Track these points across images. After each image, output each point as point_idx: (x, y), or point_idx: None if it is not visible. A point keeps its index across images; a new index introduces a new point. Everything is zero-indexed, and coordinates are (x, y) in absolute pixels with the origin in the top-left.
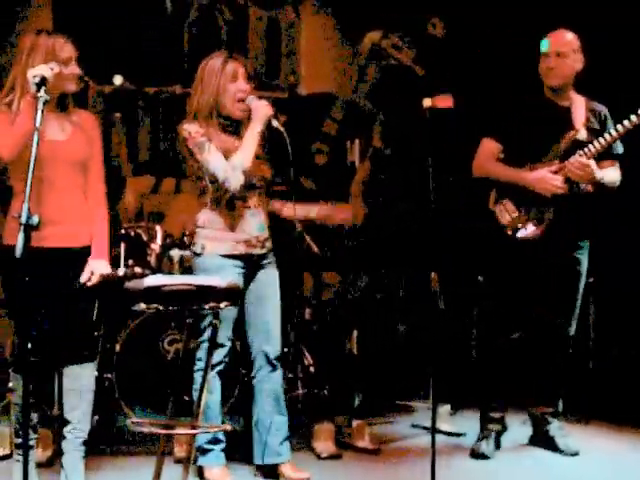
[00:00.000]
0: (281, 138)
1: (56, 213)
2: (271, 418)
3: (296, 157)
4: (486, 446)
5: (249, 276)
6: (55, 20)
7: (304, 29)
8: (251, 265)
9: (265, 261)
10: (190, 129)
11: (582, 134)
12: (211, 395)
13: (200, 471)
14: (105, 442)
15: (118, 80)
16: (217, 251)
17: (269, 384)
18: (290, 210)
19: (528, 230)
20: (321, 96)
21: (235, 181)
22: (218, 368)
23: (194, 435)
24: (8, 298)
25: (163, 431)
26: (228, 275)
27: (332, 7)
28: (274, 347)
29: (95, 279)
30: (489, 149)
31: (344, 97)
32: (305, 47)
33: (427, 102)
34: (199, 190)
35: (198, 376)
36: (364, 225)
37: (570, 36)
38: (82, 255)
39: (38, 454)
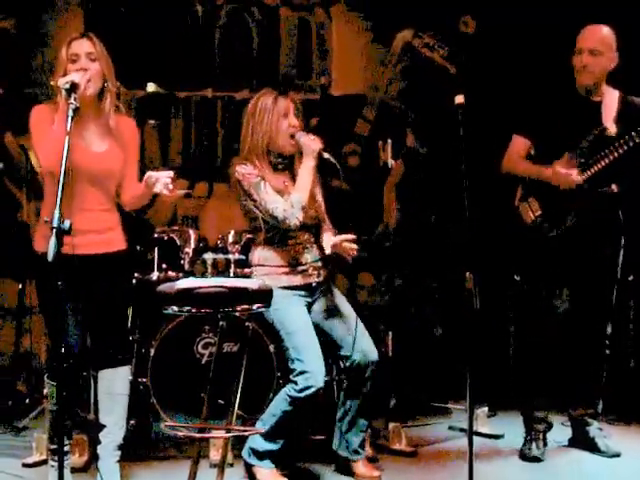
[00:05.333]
0: (334, 169)
1: (87, 222)
2: (357, 419)
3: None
4: (537, 448)
5: (311, 303)
6: (86, 27)
7: (335, 30)
8: (310, 293)
9: (323, 287)
10: (243, 170)
11: (611, 130)
12: (295, 417)
13: (250, 472)
14: (141, 446)
15: (151, 88)
16: (276, 284)
17: (365, 390)
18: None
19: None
20: (353, 97)
21: (293, 218)
22: (313, 396)
23: (228, 439)
24: (42, 304)
25: (197, 435)
26: (293, 304)
27: (363, 7)
28: (373, 353)
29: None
30: (518, 146)
31: (376, 97)
32: (337, 48)
33: (459, 99)
34: (253, 228)
35: (288, 402)
36: (398, 226)
37: (606, 32)
38: (115, 259)
39: (74, 459)
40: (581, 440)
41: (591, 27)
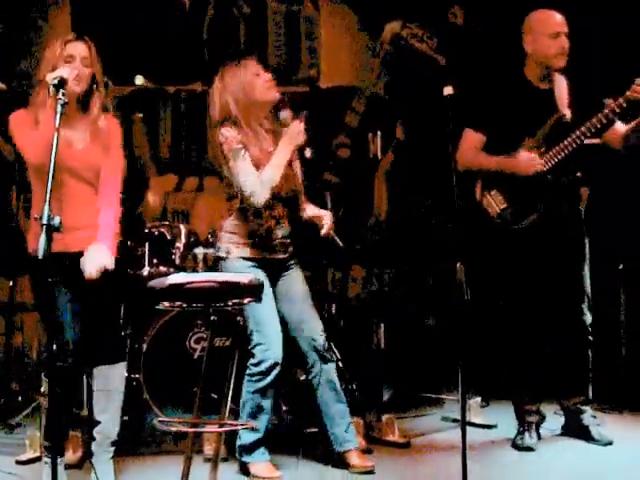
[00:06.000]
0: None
1: (76, 219)
2: (333, 408)
3: (319, 151)
4: (529, 438)
5: (274, 279)
6: (73, 22)
7: (323, 22)
8: (275, 269)
9: (289, 263)
10: (227, 134)
11: (567, 115)
12: (265, 398)
13: (244, 468)
14: (134, 442)
15: (139, 80)
16: (241, 255)
17: (325, 376)
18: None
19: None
20: (342, 89)
21: (261, 197)
22: (275, 371)
23: (222, 433)
24: (38, 303)
25: (190, 429)
26: (258, 276)
27: None
28: (319, 341)
29: (94, 270)
30: (472, 140)
31: (365, 89)
32: (325, 40)
33: (448, 90)
34: (228, 195)
35: (254, 380)
36: (389, 218)
37: None
38: None
39: (68, 456)
40: (574, 428)
41: (548, 11)
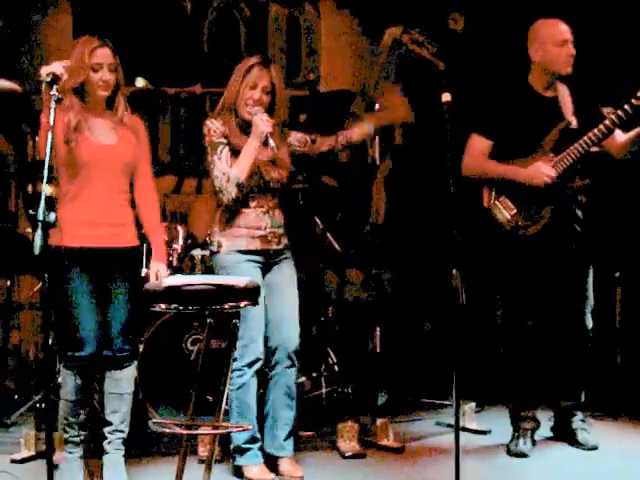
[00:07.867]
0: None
1: (100, 214)
2: (281, 412)
3: (319, 155)
4: (524, 444)
5: (265, 270)
6: (74, 22)
7: (324, 27)
8: (267, 260)
9: (281, 257)
10: (211, 126)
11: (573, 123)
12: (249, 394)
13: (238, 471)
14: (128, 442)
15: (140, 83)
16: (233, 248)
17: (284, 379)
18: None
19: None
20: (341, 93)
21: (227, 193)
22: (256, 366)
23: (216, 435)
24: (59, 298)
25: (184, 432)
26: (245, 270)
27: (352, 4)
28: (293, 342)
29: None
30: (480, 146)
31: (365, 94)
32: (325, 45)
33: (446, 97)
34: (213, 189)
35: (235, 376)
36: (386, 222)
37: None
38: (126, 255)
39: None
40: (562, 430)
41: (554, 20)
